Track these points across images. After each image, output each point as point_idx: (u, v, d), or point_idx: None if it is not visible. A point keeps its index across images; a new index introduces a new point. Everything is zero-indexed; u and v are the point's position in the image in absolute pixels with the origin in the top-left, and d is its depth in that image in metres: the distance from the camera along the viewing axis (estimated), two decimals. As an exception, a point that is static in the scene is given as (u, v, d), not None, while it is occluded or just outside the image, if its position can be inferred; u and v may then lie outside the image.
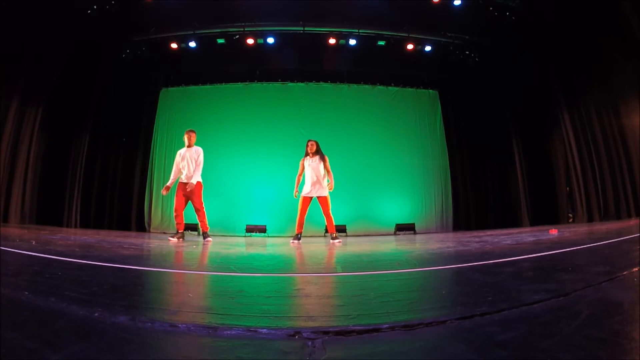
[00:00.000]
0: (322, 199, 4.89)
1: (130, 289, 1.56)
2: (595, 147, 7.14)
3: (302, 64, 9.20)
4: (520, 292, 1.28)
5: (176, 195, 4.98)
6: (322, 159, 4.99)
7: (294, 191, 5.05)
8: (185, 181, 4.94)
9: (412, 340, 0.82)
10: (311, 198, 4.94)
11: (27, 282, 1.42)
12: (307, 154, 5.05)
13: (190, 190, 4.86)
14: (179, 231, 4.87)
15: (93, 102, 8.41)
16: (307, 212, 4.98)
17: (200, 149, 5.10)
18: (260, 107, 9.29)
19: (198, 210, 4.94)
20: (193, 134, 5.15)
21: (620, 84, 6.58)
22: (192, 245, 4.54)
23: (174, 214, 5.00)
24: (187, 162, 5.00)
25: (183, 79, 9.58)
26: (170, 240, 4.70)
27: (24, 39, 6.50)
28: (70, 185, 8.08)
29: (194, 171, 4.93)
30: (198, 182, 4.92)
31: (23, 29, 6.39)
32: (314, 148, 5.03)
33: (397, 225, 8.65)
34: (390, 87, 9.78)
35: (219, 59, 9.03)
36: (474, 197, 9.42)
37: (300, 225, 4.94)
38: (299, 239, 4.84)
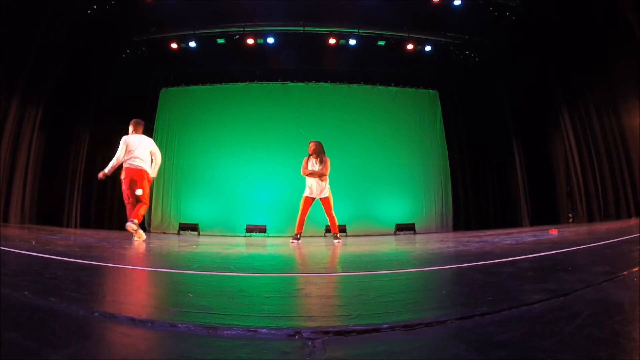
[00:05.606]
0: (324, 200, 4.88)
1: (130, 289, 1.56)
2: (595, 147, 7.13)
3: (302, 64, 9.21)
4: (520, 292, 1.28)
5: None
6: (323, 161, 4.97)
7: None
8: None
9: (412, 340, 0.82)
10: (313, 199, 4.93)
11: (27, 282, 1.42)
12: (310, 155, 5.05)
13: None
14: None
15: (93, 102, 8.40)
16: (308, 212, 4.98)
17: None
18: (260, 107, 9.30)
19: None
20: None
21: (621, 84, 6.57)
22: (192, 245, 4.55)
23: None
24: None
25: (183, 79, 9.58)
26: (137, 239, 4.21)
27: (24, 38, 6.50)
28: (70, 185, 8.07)
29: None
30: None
31: (23, 28, 6.39)
32: (311, 149, 4.98)
33: (397, 225, 8.65)
34: (390, 87, 9.79)
35: (219, 59, 9.04)
36: (474, 197, 9.42)
37: (301, 225, 4.92)
38: (298, 239, 4.83)
